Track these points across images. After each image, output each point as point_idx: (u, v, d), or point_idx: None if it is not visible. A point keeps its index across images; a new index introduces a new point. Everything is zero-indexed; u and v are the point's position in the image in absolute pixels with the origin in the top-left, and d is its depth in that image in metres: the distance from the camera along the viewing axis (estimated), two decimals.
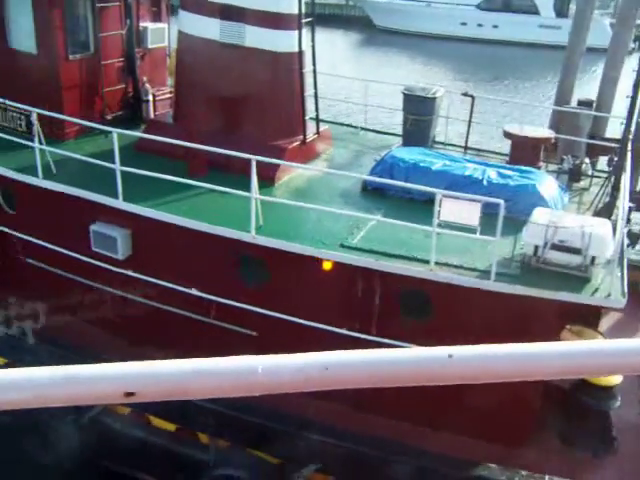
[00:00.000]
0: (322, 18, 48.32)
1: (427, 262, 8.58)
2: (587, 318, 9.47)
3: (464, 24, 53.70)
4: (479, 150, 13.13)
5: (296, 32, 11.09)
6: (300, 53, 11.18)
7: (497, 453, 9.03)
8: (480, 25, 53.32)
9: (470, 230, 8.54)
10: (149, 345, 10.28)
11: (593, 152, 13.59)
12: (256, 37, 10.98)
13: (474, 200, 8.38)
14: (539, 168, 11.64)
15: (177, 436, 9.80)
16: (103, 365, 1.28)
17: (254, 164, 8.91)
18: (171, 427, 9.82)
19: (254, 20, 10.96)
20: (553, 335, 8.55)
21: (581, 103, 15.31)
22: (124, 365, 1.29)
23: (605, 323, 12.29)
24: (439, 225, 8.60)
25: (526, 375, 1.37)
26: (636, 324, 12.28)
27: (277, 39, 11.08)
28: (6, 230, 11.38)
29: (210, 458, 9.26)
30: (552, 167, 12.20)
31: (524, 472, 8.52)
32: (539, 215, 8.76)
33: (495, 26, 52.90)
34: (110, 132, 9.82)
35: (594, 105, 15.49)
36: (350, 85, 18.69)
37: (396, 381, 1.33)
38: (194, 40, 11.33)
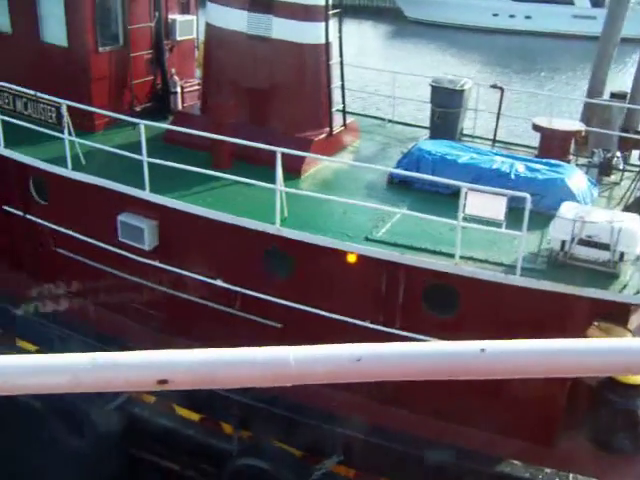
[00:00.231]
0: (351, 9, 48.24)
1: (452, 256, 8.51)
2: (616, 315, 9.31)
3: (496, 15, 52.92)
4: (507, 143, 12.96)
5: (323, 24, 11.05)
6: (327, 45, 11.14)
7: (523, 450, 8.96)
8: (512, 16, 52.46)
9: (496, 224, 8.44)
10: (174, 334, 10.41)
11: (625, 145, 13.31)
12: (283, 29, 10.98)
13: (500, 194, 8.28)
14: (568, 162, 11.45)
15: (201, 426, 9.90)
16: (137, 352, 1.29)
17: (279, 156, 8.93)
18: (195, 417, 9.92)
19: (281, 12, 10.96)
20: (580, 332, 8.43)
21: (614, 95, 14.97)
22: (157, 353, 1.30)
23: (635, 320, 12.07)
24: (465, 219, 8.53)
25: (558, 372, 1.35)
26: None
27: (304, 31, 11.06)
28: (38, 220, 11.58)
29: (233, 448, 9.34)
30: (582, 161, 11.99)
31: (548, 469, 8.42)
32: (567, 209, 8.62)
33: (528, 17, 52.01)
34: (137, 124, 9.90)
35: (627, 97, 15.15)
36: (379, 77, 18.60)
37: (428, 374, 1.33)
38: (221, 32, 11.36)
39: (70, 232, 11.12)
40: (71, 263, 11.41)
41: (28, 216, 11.71)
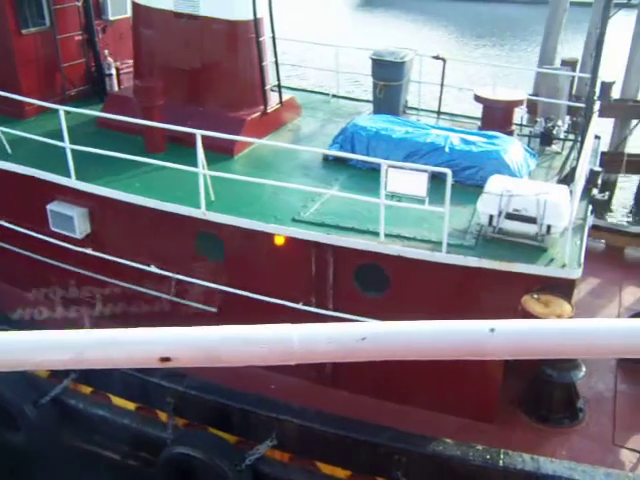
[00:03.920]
0: None
1: (378, 235, 8.32)
2: (559, 287, 9.14)
3: None
4: (453, 115, 12.70)
5: None
6: (256, 20, 10.79)
7: (458, 427, 8.87)
8: None
9: (418, 201, 8.24)
10: (110, 321, 10.21)
11: (577, 113, 13.12)
12: (210, 5, 10.61)
13: (421, 170, 8.06)
14: (511, 133, 11.23)
15: (137, 414, 9.74)
16: (141, 330, 1.28)
17: (199, 138, 8.67)
18: (131, 406, 9.76)
19: None
20: (512, 307, 8.28)
21: (565, 63, 14.76)
22: (161, 330, 1.28)
23: (584, 288, 11.98)
24: (391, 197, 8.32)
25: (570, 352, 1.34)
26: (615, 289, 11.95)
27: (232, 7, 10.71)
28: None
29: (168, 436, 9.19)
30: (527, 131, 11.78)
31: (480, 446, 8.33)
32: (494, 183, 8.43)
33: None
34: (66, 110, 9.58)
35: (579, 64, 14.93)
36: (338, 52, 18.18)
37: (434, 354, 1.31)
38: (148, 11, 10.97)
39: (2, 223, 10.83)
40: (6, 254, 11.14)
41: None
